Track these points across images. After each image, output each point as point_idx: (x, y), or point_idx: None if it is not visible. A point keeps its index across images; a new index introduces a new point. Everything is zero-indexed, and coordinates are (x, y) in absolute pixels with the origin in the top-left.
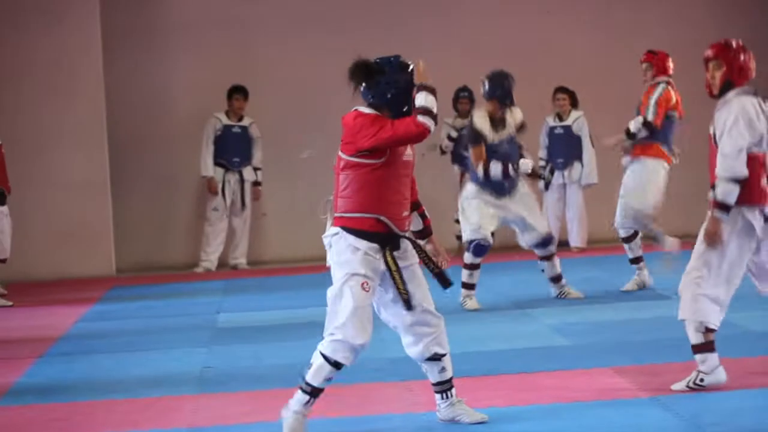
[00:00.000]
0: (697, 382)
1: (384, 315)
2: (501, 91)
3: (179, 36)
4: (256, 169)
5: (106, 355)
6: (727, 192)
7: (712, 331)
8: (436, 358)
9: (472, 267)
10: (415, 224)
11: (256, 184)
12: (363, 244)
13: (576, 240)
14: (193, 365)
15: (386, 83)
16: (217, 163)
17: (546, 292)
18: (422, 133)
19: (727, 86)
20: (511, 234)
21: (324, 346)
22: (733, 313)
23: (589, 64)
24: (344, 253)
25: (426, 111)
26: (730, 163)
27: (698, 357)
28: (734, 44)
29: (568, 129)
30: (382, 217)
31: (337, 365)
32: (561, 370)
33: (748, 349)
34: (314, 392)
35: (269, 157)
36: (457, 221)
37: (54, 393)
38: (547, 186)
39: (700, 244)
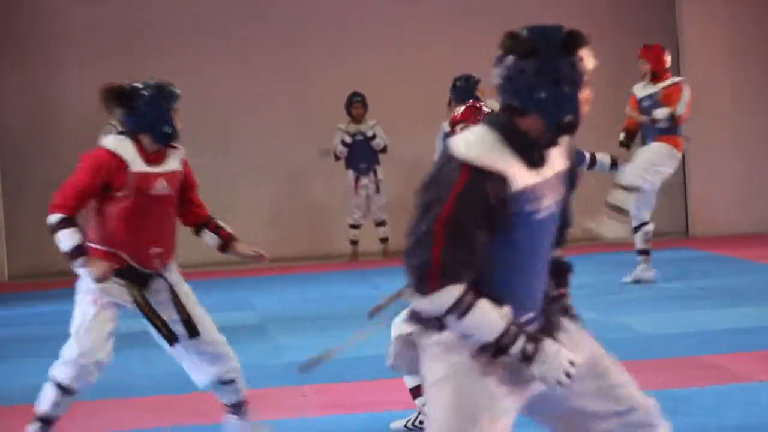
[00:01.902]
0: (416, 424)
1: (169, 350)
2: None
3: (70, 45)
4: None
5: None
6: None
7: None
8: (231, 381)
9: None
10: (213, 240)
11: None
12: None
13: None
14: None
15: (146, 107)
16: None
17: None
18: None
19: None
20: None
21: (52, 368)
22: (625, 317)
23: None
24: (85, 280)
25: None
26: None
27: (418, 401)
28: (480, 107)
29: None
30: (120, 253)
31: (61, 388)
32: None
33: (640, 351)
34: (44, 419)
35: None
36: (352, 226)
37: None
38: None
39: None
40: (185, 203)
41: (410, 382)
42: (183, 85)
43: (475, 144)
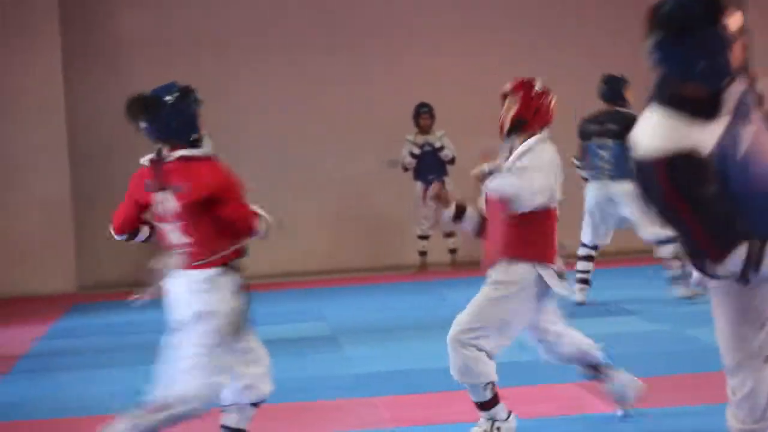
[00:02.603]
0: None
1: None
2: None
3: (139, 53)
4: None
5: (70, 372)
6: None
7: (493, 383)
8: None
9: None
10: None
11: None
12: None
13: None
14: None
15: (168, 114)
16: None
17: None
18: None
19: (517, 124)
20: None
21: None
22: (696, 328)
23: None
24: (225, 296)
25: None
26: (527, 191)
27: (487, 414)
28: (534, 84)
29: None
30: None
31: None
32: (526, 386)
33: (710, 364)
34: None
35: None
36: (420, 237)
37: (18, 411)
38: None
39: (484, 299)
40: None
41: (481, 397)
42: (248, 92)
43: (655, 133)
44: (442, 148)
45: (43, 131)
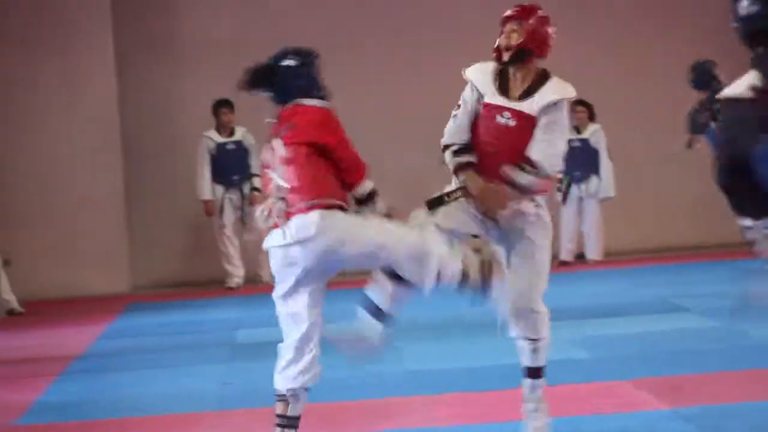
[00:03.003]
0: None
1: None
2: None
3: (193, 50)
4: (253, 175)
5: (125, 372)
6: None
7: None
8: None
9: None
10: None
11: (254, 190)
12: None
13: (593, 253)
14: (212, 381)
15: (287, 78)
16: (217, 181)
17: (563, 304)
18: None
19: (521, 54)
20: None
21: None
22: (750, 323)
23: (604, 77)
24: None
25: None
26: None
27: (537, 385)
28: (540, 12)
29: (585, 142)
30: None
31: None
32: (580, 383)
33: (759, 360)
34: None
35: None
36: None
37: (74, 411)
38: (564, 199)
39: (536, 258)
40: None
41: (544, 360)
42: None
43: None
44: None
45: (97, 131)
